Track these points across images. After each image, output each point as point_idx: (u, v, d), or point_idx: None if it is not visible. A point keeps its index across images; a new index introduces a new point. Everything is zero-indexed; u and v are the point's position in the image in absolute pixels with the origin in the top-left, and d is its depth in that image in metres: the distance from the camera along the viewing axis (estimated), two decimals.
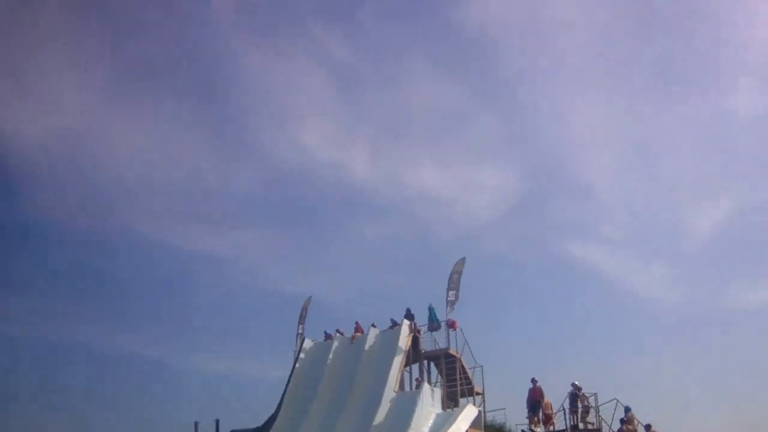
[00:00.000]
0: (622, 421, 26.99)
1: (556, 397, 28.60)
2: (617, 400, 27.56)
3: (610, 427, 27.23)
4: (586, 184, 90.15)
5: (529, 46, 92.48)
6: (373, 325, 34.16)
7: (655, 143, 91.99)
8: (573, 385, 28.12)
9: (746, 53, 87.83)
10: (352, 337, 33.95)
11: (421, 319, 33.91)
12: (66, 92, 77.98)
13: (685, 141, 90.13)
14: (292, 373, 33.57)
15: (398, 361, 31.33)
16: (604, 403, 27.71)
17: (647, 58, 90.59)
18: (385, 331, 33.80)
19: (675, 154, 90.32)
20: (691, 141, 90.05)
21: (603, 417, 27.61)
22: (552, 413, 27.75)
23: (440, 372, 32.99)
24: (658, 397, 69.13)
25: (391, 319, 34.10)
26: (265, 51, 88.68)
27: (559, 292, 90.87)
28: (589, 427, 27.81)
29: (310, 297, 38.35)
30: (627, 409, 27.45)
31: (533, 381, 28.82)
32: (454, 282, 33.73)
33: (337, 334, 34.77)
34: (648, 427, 26.82)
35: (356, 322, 34.95)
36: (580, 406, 27.75)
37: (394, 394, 29.94)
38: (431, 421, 28.58)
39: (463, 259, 34.67)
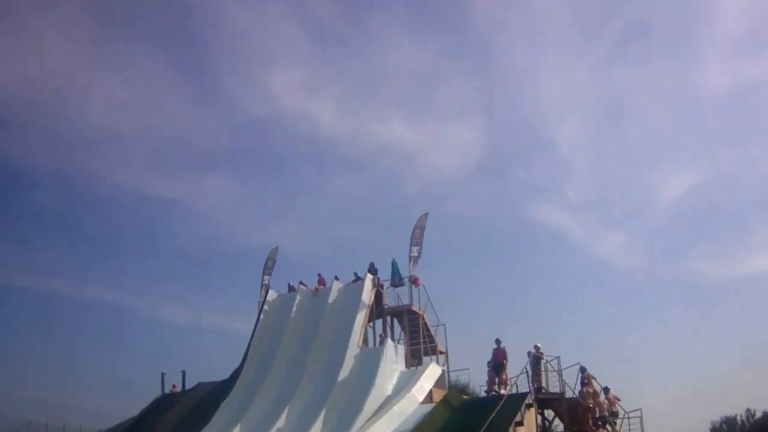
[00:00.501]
0: (582, 383, 27.69)
1: (519, 359, 29.22)
2: (579, 365, 28.22)
3: (573, 391, 27.89)
4: (553, 147, 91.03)
5: (501, 7, 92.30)
6: (336, 278, 34.34)
7: (622, 110, 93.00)
8: (535, 347, 28.62)
9: (716, 26, 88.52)
10: (316, 290, 34.07)
11: (385, 274, 34.07)
12: (33, 38, 76.56)
13: (653, 110, 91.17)
14: (256, 325, 33.71)
15: (361, 316, 31.61)
16: (567, 368, 28.35)
17: (618, 24, 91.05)
18: (348, 284, 33.92)
19: (642, 123, 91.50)
20: (658, 111, 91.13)
21: (566, 381, 28.21)
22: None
23: (403, 329, 33.32)
24: (617, 361, 70.94)
25: (355, 273, 34.18)
26: None
27: (523, 253, 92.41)
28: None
29: (276, 247, 38.34)
30: (582, 370, 28.28)
31: (497, 342, 29.31)
32: (417, 237, 33.78)
33: (301, 287, 34.84)
34: (606, 389, 27.65)
35: (319, 274, 35.00)
36: (542, 369, 28.29)
37: (357, 350, 30.29)
38: (395, 379, 29.02)
39: (426, 214, 34.68)
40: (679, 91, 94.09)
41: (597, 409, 27.15)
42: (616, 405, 27.50)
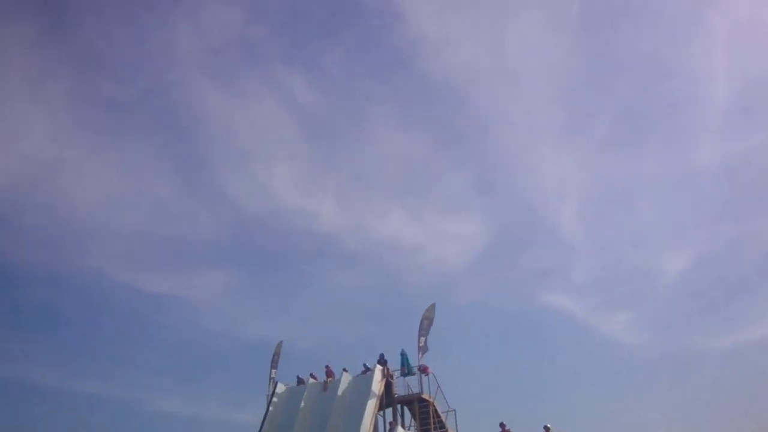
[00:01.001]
0: None
1: None
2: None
3: None
4: (555, 232, 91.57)
5: (495, 96, 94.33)
6: (344, 370, 34.26)
7: (621, 191, 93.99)
8: (545, 428, 28.52)
9: (709, 108, 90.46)
10: (325, 384, 33.94)
11: (394, 365, 34.06)
12: (29, 131, 77.97)
13: (650, 190, 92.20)
14: (264, 418, 33.36)
15: (371, 405, 31.41)
16: None
17: (611, 108, 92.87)
18: (358, 376, 33.87)
19: (640, 203, 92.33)
20: (655, 190, 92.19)
21: None
22: None
23: (414, 416, 33.05)
24: None
25: (364, 364, 34.17)
26: (230, 93, 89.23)
27: (531, 336, 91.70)
28: None
29: (281, 341, 38.23)
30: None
31: (501, 426, 29.34)
32: (424, 328, 34.00)
33: (310, 379, 34.71)
34: None
35: (327, 366, 34.80)
36: None
37: None
38: None
39: (433, 305, 35.00)
40: (674, 169, 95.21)
41: None
42: None
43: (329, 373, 34.38)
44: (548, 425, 28.73)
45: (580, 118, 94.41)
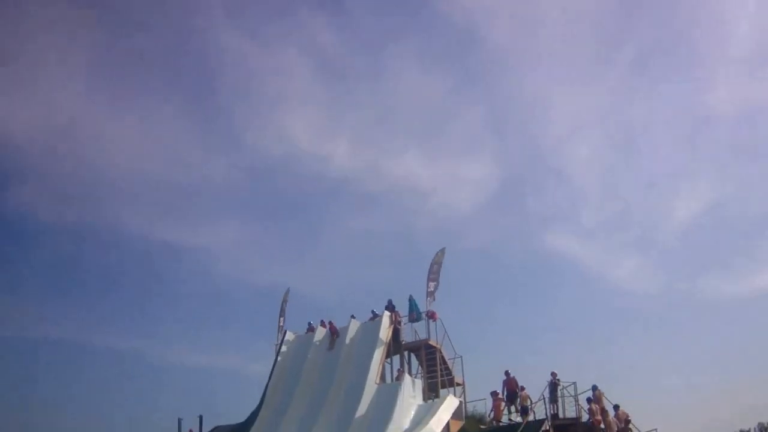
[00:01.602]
0: (589, 400, 27.49)
1: (535, 388, 28.96)
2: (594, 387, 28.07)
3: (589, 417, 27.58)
4: (566, 175, 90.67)
5: (513, 39, 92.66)
6: (352, 317, 34.34)
7: (633, 135, 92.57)
8: (552, 374, 28.42)
9: (727, 50, 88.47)
10: (331, 341, 33.67)
11: (402, 311, 33.92)
12: (51, 85, 77.79)
13: (664, 133, 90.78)
14: (273, 366, 33.65)
15: (379, 352, 31.48)
16: (582, 392, 28.02)
17: (628, 50, 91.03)
18: (365, 322, 33.94)
19: (653, 146, 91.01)
20: (669, 133, 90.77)
21: (582, 406, 27.89)
22: (530, 405, 28.01)
23: (421, 363, 33.08)
24: (635, 384, 70.01)
25: (372, 311, 34.30)
26: (251, 39, 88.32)
27: (538, 283, 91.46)
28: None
29: (288, 289, 38.47)
30: (594, 388, 28.10)
31: (506, 373, 29.30)
32: (434, 273, 33.74)
33: (320, 327, 34.77)
34: (616, 407, 27.43)
35: (330, 323, 34.60)
36: (558, 395, 28.05)
37: (375, 386, 30.12)
38: (413, 413, 28.80)
39: (443, 249, 34.68)
40: (689, 112, 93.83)
41: (606, 428, 26.92)
42: (622, 419, 27.24)
43: (333, 330, 34.11)
44: (555, 371, 28.57)
45: (598, 62, 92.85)
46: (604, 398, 27.86)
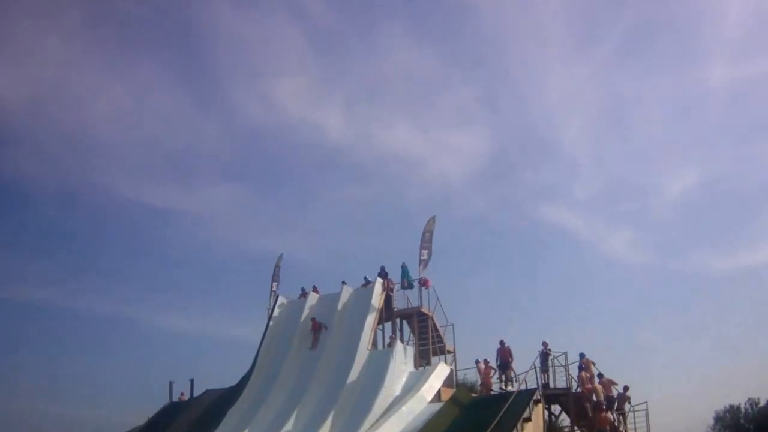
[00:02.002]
0: (580, 368, 27.79)
1: (526, 357, 29.28)
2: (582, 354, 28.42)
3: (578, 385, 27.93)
4: (559, 147, 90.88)
5: (506, 10, 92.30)
6: (343, 282, 34.41)
7: (627, 108, 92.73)
8: (543, 344, 28.70)
9: (721, 26, 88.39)
10: (314, 341, 32.25)
11: (395, 278, 34.00)
12: (38, 48, 76.92)
13: (657, 108, 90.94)
14: (265, 331, 33.71)
15: (371, 319, 31.62)
16: (573, 362, 28.34)
17: (622, 24, 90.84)
18: (358, 289, 34.03)
19: (646, 121, 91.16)
20: (663, 108, 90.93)
21: (573, 376, 28.23)
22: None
23: (413, 330, 33.13)
24: (625, 356, 70.76)
25: (365, 277, 34.25)
26: (245, 6, 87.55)
27: (530, 253, 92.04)
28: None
29: (282, 254, 38.53)
30: (581, 356, 28.49)
31: (501, 343, 29.59)
32: (426, 241, 33.78)
33: (312, 292, 34.85)
34: (600, 376, 27.81)
35: (312, 319, 33.78)
36: (550, 365, 28.36)
37: (367, 352, 30.28)
38: (404, 379, 29.01)
39: (434, 217, 34.69)
40: (683, 89, 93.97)
41: (594, 395, 27.28)
42: (612, 389, 27.61)
43: (315, 326, 32.43)
44: (546, 341, 28.86)
45: (591, 34, 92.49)
46: (592, 365, 28.22)
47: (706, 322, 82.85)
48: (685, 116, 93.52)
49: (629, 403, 27.65)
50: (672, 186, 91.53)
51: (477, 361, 30.63)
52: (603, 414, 26.53)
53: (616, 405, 27.58)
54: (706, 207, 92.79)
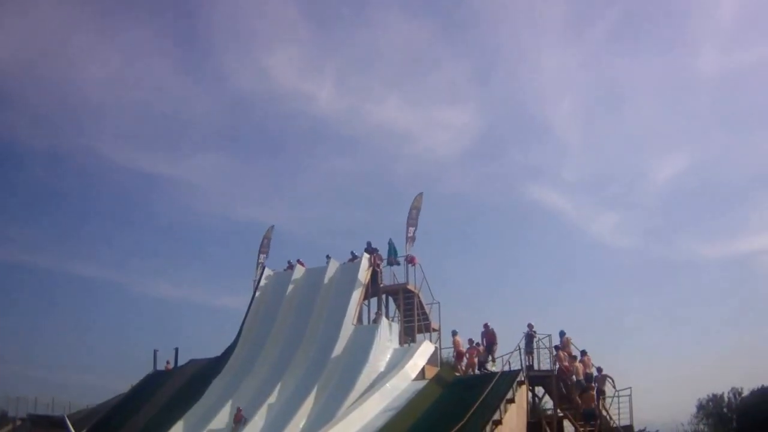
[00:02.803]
0: (556, 348, 28.06)
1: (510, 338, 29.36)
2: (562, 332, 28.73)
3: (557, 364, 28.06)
4: (549, 128, 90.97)
5: None
6: (328, 257, 34.37)
7: (618, 93, 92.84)
8: (529, 326, 28.75)
9: (714, 13, 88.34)
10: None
11: (381, 254, 33.89)
12: (32, 11, 76.14)
13: (649, 92, 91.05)
14: (251, 303, 33.73)
15: (357, 294, 31.63)
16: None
17: (617, 6, 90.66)
18: (345, 263, 33.99)
19: (637, 105, 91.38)
20: (654, 93, 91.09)
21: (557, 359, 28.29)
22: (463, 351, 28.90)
23: (398, 307, 33.27)
24: (610, 339, 71.25)
25: (351, 252, 34.41)
26: None
27: (517, 233, 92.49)
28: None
29: (272, 226, 38.45)
30: (561, 334, 28.79)
31: (485, 326, 29.63)
32: (413, 218, 33.81)
33: (298, 265, 34.76)
34: (583, 353, 27.94)
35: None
36: (534, 347, 28.43)
37: (352, 327, 30.34)
38: (389, 356, 29.15)
39: (421, 194, 34.66)
40: (674, 75, 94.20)
41: (575, 374, 27.58)
42: (591, 367, 27.77)
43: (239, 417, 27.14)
44: (531, 323, 28.93)
45: (585, 16, 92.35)
46: (571, 344, 28.35)
47: (691, 309, 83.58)
48: (676, 102, 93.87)
49: (612, 384, 27.73)
50: (661, 171, 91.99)
51: (454, 333, 30.42)
52: (591, 392, 26.92)
53: (596, 385, 27.72)
54: (694, 194, 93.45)
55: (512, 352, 28.14)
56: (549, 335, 28.56)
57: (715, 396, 54.30)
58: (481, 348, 28.92)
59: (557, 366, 27.79)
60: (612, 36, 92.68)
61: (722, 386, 54.68)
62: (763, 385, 50.90)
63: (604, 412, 27.25)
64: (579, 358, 28.08)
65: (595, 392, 27.28)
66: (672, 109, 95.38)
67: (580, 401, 26.99)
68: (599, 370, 28.02)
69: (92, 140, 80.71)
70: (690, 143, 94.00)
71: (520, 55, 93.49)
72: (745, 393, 52.83)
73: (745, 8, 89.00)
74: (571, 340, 28.56)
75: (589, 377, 27.73)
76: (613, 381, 27.88)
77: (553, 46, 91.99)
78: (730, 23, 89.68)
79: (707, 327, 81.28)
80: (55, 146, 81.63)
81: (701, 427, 53.30)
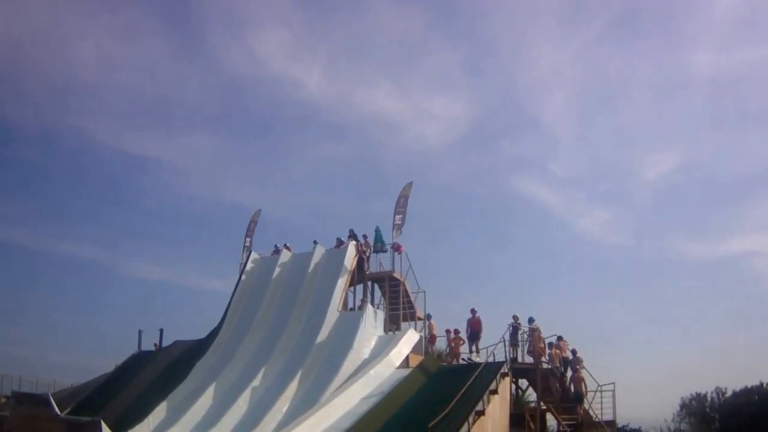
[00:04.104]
0: (529, 333, 28.52)
1: (495, 329, 29.41)
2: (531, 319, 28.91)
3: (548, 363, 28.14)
4: (540, 122, 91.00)
5: None
6: (315, 242, 34.32)
7: (611, 89, 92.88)
8: (514, 317, 28.81)
9: (710, 13, 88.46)
10: None
11: (369, 241, 33.84)
12: None
13: (642, 90, 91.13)
14: (237, 286, 33.64)
15: (343, 280, 31.65)
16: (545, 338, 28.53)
17: (612, 5, 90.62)
18: (331, 249, 33.97)
19: (630, 102, 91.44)
20: (647, 90, 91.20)
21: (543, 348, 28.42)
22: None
23: (384, 294, 33.32)
24: (594, 335, 71.47)
25: (338, 238, 34.35)
26: None
27: (505, 226, 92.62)
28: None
29: (259, 210, 38.46)
30: (530, 320, 29.00)
31: (473, 311, 29.71)
32: (401, 206, 33.85)
33: (284, 250, 34.73)
34: (559, 338, 28.67)
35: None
36: (519, 339, 28.48)
37: (337, 313, 30.34)
38: (373, 343, 29.27)
39: (411, 183, 34.80)
40: (668, 73, 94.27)
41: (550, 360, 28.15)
42: (567, 351, 27.89)
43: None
44: (516, 314, 28.99)
45: (581, 10, 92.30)
46: (539, 332, 28.56)
47: (677, 308, 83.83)
48: (669, 100, 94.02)
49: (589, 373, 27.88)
50: (651, 169, 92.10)
51: (447, 331, 30.71)
52: (578, 374, 27.34)
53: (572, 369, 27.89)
54: (684, 193, 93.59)
55: (496, 344, 28.27)
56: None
57: (698, 395, 54.49)
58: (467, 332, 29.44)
59: (529, 347, 27.99)
60: (607, 32, 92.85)
61: (707, 386, 54.88)
62: (747, 386, 51.21)
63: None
64: (556, 341, 28.22)
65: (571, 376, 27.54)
66: (665, 107, 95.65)
67: (559, 387, 27.18)
68: (574, 352, 28.14)
69: (81, 121, 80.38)
70: (682, 142, 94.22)
71: (514, 46, 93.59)
72: (729, 394, 53.04)
73: (740, 9, 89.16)
74: (540, 328, 28.69)
75: (566, 362, 27.86)
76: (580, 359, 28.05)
77: (548, 38, 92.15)
78: (726, 23, 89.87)
79: (693, 327, 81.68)
80: (44, 126, 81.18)
81: (683, 425, 53.45)
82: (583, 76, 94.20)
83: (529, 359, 28.36)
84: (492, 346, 28.34)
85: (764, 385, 50.47)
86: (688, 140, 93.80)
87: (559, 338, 28.49)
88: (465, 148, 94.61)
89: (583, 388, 27.37)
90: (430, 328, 30.54)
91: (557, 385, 27.74)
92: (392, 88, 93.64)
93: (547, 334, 28.73)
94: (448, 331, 30.74)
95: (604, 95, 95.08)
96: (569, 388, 27.65)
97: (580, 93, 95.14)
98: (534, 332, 28.32)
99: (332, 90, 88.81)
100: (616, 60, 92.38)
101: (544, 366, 28.20)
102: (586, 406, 27.18)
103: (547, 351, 28.36)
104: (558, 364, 27.93)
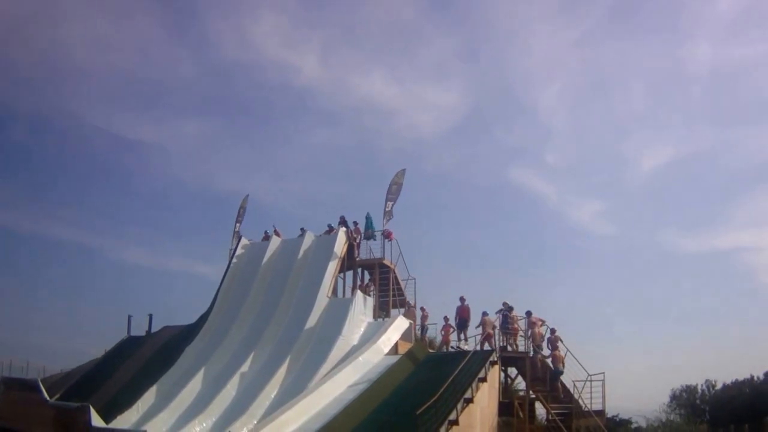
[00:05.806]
0: (505, 314, 28.59)
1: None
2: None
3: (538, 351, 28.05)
4: (534, 112, 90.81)
5: None
6: (302, 230, 34.36)
7: (608, 79, 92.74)
8: (504, 304, 28.70)
9: (710, 7, 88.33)
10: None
11: (360, 228, 33.84)
12: None
13: (639, 81, 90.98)
14: (226, 271, 33.58)
15: (333, 266, 31.60)
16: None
17: None
18: (321, 235, 33.90)
19: (625, 94, 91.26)
20: (644, 82, 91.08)
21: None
22: (492, 333, 28.26)
23: (374, 281, 33.27)
24: (584, 325, 71.51)
25: (328, 224, 34.31)
26: None
27: (497, 214, 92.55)
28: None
29: (247, 195, 38.43)
30: (504, 304, 28.87)
31: (461, 300, 29.66)
32: (392, 193, 33.70)
33: (274, 235, 34.65)
34: (528, 313, 28.58)
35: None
36: (509, 327, 28.40)
37: (326, 299, 30.29)
38: (362, 329, 29.23)
39: (403, 170, 34.61)
40: (664, 66, 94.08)
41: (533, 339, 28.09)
42: (538, 325, 27.95)
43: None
44: (506, 301, 28.88)
45: (578, 3, 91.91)
46: (512, 314, 28.64)
47: (668, 300, 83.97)
48: (665, 93, 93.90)
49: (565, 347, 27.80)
50: (645, 162, 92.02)
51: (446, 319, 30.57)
52: (557, 352, 27.30)
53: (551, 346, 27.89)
54: (677, 186, 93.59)
55: (485, 334, 28.04)
56: (525, 318, 28.63)
57: (688, 387, 54.60)
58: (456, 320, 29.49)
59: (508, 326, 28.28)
60: (605, 22, 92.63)
61: (696, 378, 54.97)
62: (737, 379, 51.28)
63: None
64: (527, 318, 28.47)
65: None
66: (661, 99, 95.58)
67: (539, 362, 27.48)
68: (552, 331, 28.02)
69: (73, 103, 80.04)
70: (677, 135, 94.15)
71: (510, 34, 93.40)
72: (719, 386, 53.14)
73: (740, 3, 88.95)
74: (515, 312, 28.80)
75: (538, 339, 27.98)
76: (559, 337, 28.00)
77: (546, 26, 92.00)
78: (725, 18, 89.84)
79: (684, 319, 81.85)
80: (35, 108, 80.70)
81: (673, 417, 53.52)
82: (579, 66, 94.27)
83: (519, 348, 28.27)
84: (479, 335, 28.39)
85: (754, 378, 50.57)
86: (683, 133, 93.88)
87: (528, 313, 28.31)
88: (458, 136, 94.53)
89: (561, 366, 27.28)
90: (423, 319, 30.55)
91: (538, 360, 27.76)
92: (387, 75, 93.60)
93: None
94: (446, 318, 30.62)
95: (600, 85, 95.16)
96: (548, 365, 27.62)
97: (576, 82, 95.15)
98: (510, 319, 28.40)
99: (327, 76, 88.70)
100: (613, 50, 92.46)
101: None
102: (576, 396, 27.02)
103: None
104: (539, 343, 27.86)
